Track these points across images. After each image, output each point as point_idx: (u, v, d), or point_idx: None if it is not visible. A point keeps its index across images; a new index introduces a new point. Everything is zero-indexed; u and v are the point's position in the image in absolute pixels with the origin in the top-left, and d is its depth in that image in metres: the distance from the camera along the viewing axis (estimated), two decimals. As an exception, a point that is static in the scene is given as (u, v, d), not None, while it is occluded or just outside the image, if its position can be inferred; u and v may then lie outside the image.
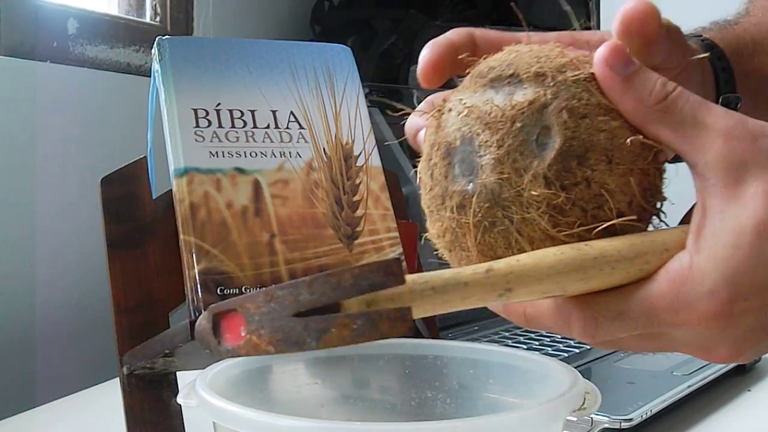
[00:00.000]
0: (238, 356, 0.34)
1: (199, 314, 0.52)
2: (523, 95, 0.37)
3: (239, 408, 0.40)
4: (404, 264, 0.52)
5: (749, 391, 0.77)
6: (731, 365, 0.77)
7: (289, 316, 0.32)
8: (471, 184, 0.37)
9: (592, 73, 0.37)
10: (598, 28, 1.35)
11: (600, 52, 0.36)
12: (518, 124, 0.36)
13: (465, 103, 0.38)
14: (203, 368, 0.47)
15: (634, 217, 0.37)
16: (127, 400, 0.56)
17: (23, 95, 0.97)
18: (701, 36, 0.51)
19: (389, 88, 1.15)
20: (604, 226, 0.36)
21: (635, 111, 0.36)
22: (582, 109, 0.36)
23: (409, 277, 0.33)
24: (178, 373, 0.58)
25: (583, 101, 0.36)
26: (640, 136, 0.36)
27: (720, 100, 0.48)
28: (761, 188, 0.34)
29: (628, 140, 0.36)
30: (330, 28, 1.51)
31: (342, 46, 0.64)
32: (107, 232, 0.57)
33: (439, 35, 0.41)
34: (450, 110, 0.39)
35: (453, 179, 0.38)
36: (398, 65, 1.43)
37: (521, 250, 0.36)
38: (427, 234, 0.41)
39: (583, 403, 0.42)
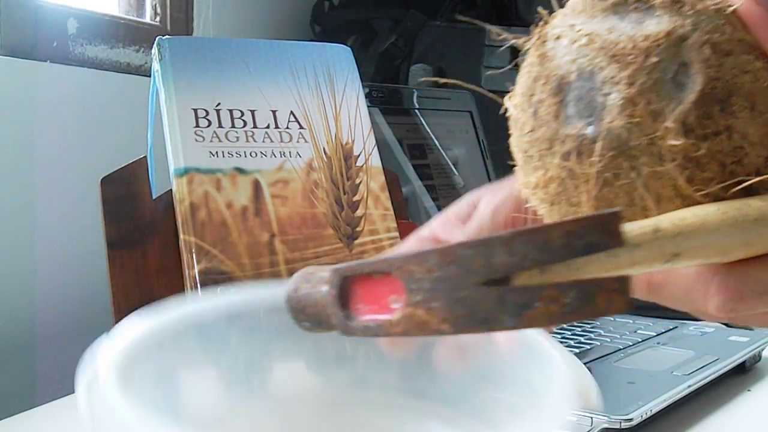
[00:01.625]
0: (386, 335, 0.26)
1: (199, 314, 0.52)
2: (657, 24, 0.31)
3: None
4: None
5: (749, 391, 0.77)
6: (731, 365, 0.77)
7: (477, 285, 0.25)
8: (591, 126, 0.31)
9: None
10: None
11: None
12: (653, 59, 0.31)
13: (581, 31, 0.32)
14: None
15: None
16: (127, 400, 0.56)
17: (23, 95, 0.97)
18: None
19: (389, 88, 1.15)
20: (747, 183, 0.31)
21: None
22: (726, 45, 0.31)
23: None
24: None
25: (726, 36, 0.31)
26: None
27: None
28: None
29: None
30: (330, 28, 1.50)
31: (342, 46, 0.64)
32: (107, 232, 0.57)
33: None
34: (558, 38, 0.33)
35: (566, 120, 0.32)
36: (398, 65, 1.43)
37: (645, 209, 0.31)
38: (519, 184, 0.35)
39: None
